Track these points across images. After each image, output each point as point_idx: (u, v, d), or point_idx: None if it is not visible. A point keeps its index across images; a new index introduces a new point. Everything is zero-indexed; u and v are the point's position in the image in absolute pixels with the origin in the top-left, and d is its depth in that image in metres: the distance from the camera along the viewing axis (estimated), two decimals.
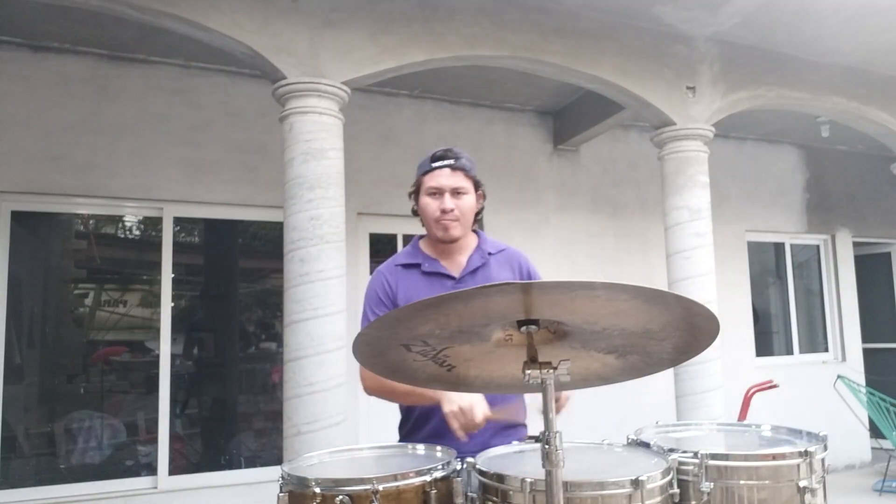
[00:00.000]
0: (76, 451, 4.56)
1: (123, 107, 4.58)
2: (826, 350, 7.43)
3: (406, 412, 2.05)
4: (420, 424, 1.99)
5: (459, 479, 1.45)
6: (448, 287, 1.97)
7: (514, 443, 1.74)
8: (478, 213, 2.07)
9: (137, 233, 5.08)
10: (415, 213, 2.06)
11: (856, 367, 7.26)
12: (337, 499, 1.33)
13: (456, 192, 1.96)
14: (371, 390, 1.97)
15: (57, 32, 4.29)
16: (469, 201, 1.99)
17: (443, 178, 1.96)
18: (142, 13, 3.42)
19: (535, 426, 1.55)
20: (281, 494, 1.43)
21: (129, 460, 4.63)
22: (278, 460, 3.90)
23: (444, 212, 1.95)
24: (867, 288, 7.68)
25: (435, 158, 1.98)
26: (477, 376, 1.46)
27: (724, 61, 4.91)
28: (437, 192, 1.97)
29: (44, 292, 4.88)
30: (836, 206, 7.55)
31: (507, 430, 1.96)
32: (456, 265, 2.03)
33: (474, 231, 2.11)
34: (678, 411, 4.65)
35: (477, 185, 2.02)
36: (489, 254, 2.05)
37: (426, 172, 1.99)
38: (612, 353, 1.34)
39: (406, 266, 2.05)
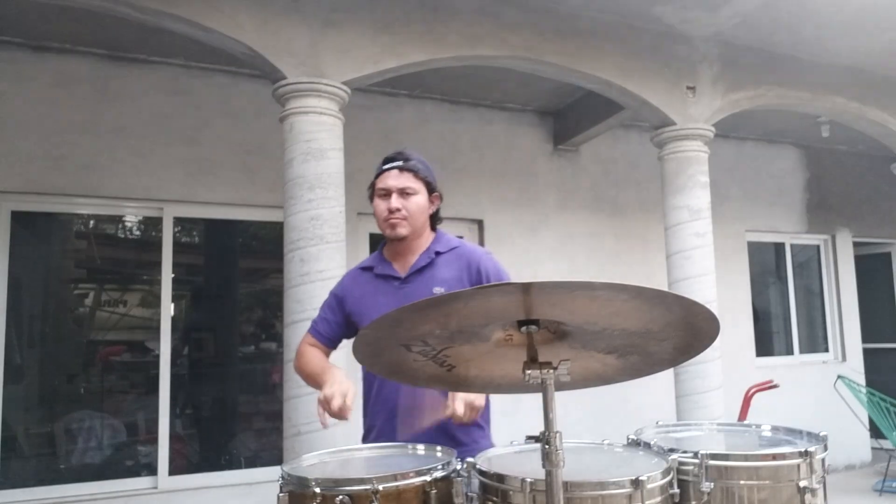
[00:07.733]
0: (76, 451, 4.55)
1: (123, 107, 4.57)
2: (826, 350, 7.43)
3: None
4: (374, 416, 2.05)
5: (459, 479, 1.45)
6: (394, 288, 2.03)
7: (514, 442, 1.74)
8: (434, 216, 2.11)
9: (137, 233, 5.07)
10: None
11: (856, 367, 7.26)
12: (337, 499, 1.33)
13: (404, 193, 2.01)
14: (296, 369, 2.12)
15: (57, 32, 4.28)
16: (417, 201, 2.02)
17: (390, 179, 2.02)
18: (142, 13, 3.42)
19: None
20: (281, 494, 1.42)
21: (129, 460, 4.63)
22: (278, 460, 3.89)
23: (390, 211, 2.00)
24: (867, 288, 7.68)
25: (385, 161, 2.06)
26: (477, 376, 1.46)
27: (724, 61, 4.91)
28: (386, 193, 2.02)
29: (44, 292, 4.88)
30: (836, 206, 7.54)
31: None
32: (405, 266, 2.06)
33: (434, 231, 2.14)
34: (678, 411, 4.65)
35: (431, 188, 2.06)
36: (437, 253, 2.05)
37: (378, 174, 2.06)
38: (612, 353, 1.34)
39: (365, 269, 2.13)
